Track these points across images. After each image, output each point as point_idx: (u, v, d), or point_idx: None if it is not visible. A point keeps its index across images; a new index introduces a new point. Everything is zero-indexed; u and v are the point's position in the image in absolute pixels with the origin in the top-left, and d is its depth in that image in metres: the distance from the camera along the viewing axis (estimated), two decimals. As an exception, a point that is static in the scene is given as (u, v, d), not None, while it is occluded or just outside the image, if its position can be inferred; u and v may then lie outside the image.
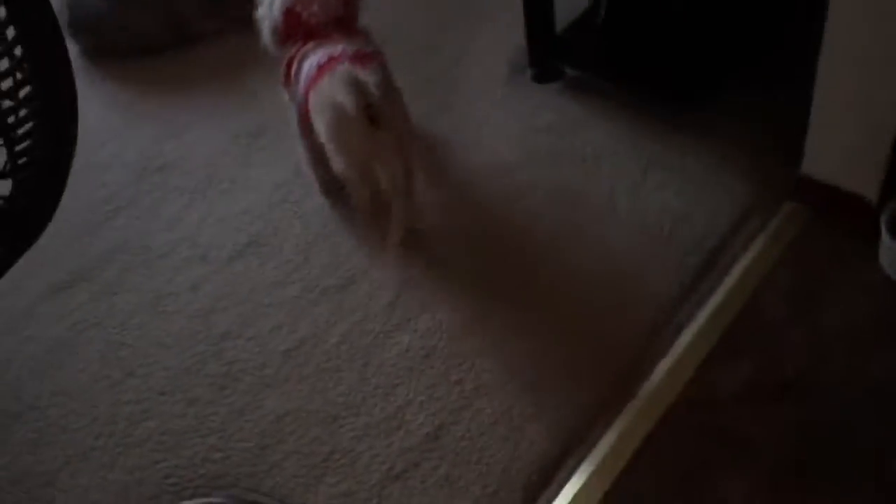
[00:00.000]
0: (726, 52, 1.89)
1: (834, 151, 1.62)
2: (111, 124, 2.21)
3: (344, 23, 1.68)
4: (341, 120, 1.51)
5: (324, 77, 1.54)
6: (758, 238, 1.66)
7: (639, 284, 1.65)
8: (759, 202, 1.72)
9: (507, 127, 1.96)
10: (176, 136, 2.14)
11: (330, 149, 1.59)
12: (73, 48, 2.42)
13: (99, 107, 2.27)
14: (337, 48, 1.58)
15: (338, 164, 1.60)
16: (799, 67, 1.55)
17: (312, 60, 1.61)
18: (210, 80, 2.27)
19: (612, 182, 1.82)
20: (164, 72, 2.33)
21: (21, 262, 1.09)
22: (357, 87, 1.48)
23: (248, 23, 1.91)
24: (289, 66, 1.72)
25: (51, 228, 1.91)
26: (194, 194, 1.99)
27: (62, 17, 2.35)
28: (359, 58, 1.56)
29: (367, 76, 1.49)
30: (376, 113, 1.50)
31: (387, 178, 1.62)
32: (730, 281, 1.60)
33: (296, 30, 1.69)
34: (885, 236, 1.55)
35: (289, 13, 1.69)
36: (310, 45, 1.65)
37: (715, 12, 1.82)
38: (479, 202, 1.86)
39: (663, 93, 1.88)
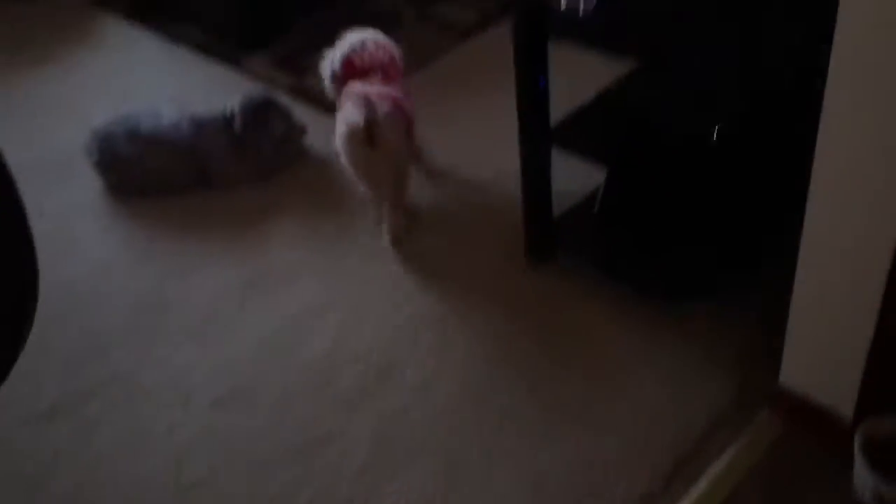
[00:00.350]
0: (719, 255, 1.95)
1: (810, 364, 1.64)
2: (122, 259, 2.30)
3: (386, 70, 2.21)
4: (348, 135, 2.03)
5: (350, 102, 2.06)
6: (731, 447, 1.65)
7: (608, 484, 1.64)
8: (736, 408, 1.73)
9: (496, 305, 2.01)
10: (181, 276, 2.22)
11: (342, 157, 2.10)
12: (98, 184, 2.56)
13: (115, 241, 2.37)
14: (371, 87, 2.09)
15: (347, 169, 2.12)
16: (790, 274, 1.59)
17: (351, 93, 2.10)
18: (224, 225, 2.37)
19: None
20: (182, 212, 2.44)
21: (4, 387, 1.12)
22: (366, 109, 1.96)
23: (268, 175, 2.16)
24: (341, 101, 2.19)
25: (42, 355, 1.99)
26: (188, 336, 2.04)
27: (91, 156, 2.50)
28: (383, 95, 2.07)
29: (379, 105, 1.98)
30: (374, 135, 1.98)
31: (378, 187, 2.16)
32: (697, 490, 1.58)
33: (351, 74, 2.21)
34: (858, 462, 1.54)
35: (347, 61, 2.23)
36: (356, 84, 2.14)
37: (709, 216, 1.89)
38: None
39: (652, 289, 1.93)
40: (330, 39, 2.35)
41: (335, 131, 2.11)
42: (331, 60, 2.28)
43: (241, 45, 3.17)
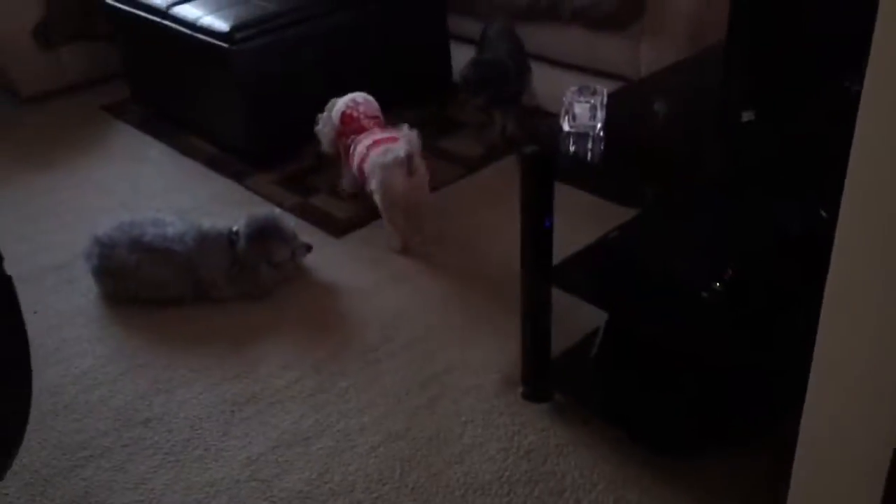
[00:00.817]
0: (718, 410, 1.92)
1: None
2: (109, 369, 2.25)
3: (378, 120, 2.83)
4: (393, 165, 2.52)
5: (375, 150, 2.62)
6: None
7: None
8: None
9: (488, 444, 1.95)
10: (168, 391, 2.16)
11: (378, 194, 2.60)
12: (94, 290, 2.54)
13: (103, 350, 2.33)
14: (378, 134, 2.71)
15: (382, 202, 2.61)
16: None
17: (363, 143, 2.69)
18: (216, 341, 2.34)
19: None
20: (175, 323, 2.41)
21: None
22: (408, 145, 2.50)
23: (263, 296, 2.29)
24: (346, 150, 2.80)
25: (15, 463, 1.92)
26: (168, 456, 1.97)
27: (89, 260, 2.49)
28: (392, 139, 2.62)
29: (407, 143, 2.51)
30: (413, 165, 2.51)
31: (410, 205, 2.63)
32: None
33: (349, 126, 2.80)
34: None
35: (345, 115, 2.81)
36: (361, 136, 2.74)
37: (709, 370, 1.87)
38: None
39: (648, 437, 1.88)
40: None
41: (348, 174, 2.83)
42: (330, 116, 2.84)
43: (249, 163, 3.23)
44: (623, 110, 1.79)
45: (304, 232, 2.77)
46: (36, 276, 2.69)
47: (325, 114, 2.88)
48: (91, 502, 1.86)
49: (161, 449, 1.99)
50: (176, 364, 2.26)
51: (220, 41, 3.04)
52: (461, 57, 3.75)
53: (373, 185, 2.60)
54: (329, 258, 2.66)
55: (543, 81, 3.43)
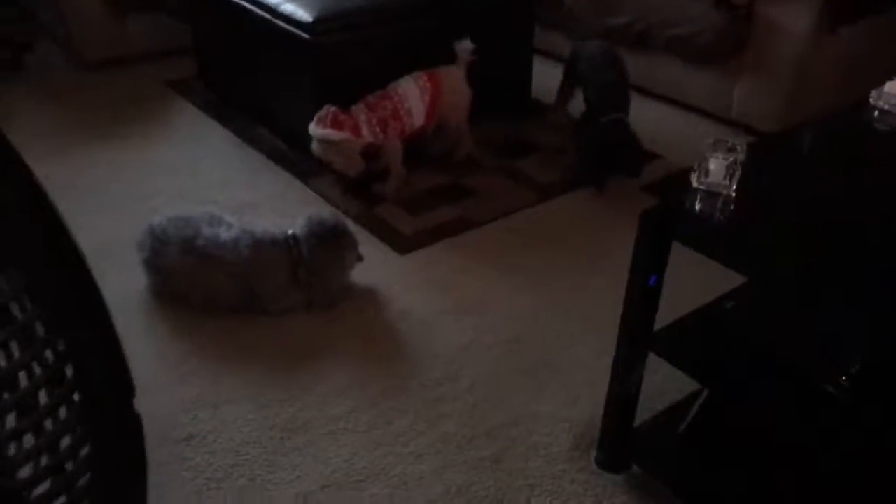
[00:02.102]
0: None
1: None
2: (154, 377, 2.10)
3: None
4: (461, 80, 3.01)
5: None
6: None
7: None
8: None
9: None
10: (214, 406, 2.01)
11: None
12: (144, 282, 2.40)
13: (147, 351, 2.19)
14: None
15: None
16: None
17: (409, 82, 2.92)
18: (269, 356, 2.18)
19: None
20: (228, 333, 2.26)
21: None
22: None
23: (325, 308, 2.25)
24: (390, 113, 2.87)
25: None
26: (209, 482, 1.82)
27: (142, 251, 2.35)
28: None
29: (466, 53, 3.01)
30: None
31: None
32: None
33: (379, 103, 2.86)
34: None
35: (368, 104, 2.87)
36: (399, 87, 2.91)
37: (814, 468, 1.69)
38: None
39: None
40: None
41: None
42: (342, 139, 2.77)
43: (316, 162, 3.07)
44: (760, 168, 1.61)
45: (367, 245, 2.62)
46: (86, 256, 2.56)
47: (332, 144, 2.76)
48: (123, 525, 1.72)
49: (201, 474, 1.84)
50: (225, 377, 2.11)
51: (301, 31, 2.89)
52: (542, 72, 3.59)
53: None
54: (391, 277, 2.50)
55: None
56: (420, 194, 2.91)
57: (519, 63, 3.48)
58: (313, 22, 2.85)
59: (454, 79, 2.97)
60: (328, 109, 2.74)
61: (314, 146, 2.78)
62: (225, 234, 2.32)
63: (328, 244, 2.35)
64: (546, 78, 3.55)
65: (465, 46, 2.97)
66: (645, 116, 3.46)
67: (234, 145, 3.26)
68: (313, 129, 2.75)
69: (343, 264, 2.40)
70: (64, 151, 3.22)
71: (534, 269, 2.55)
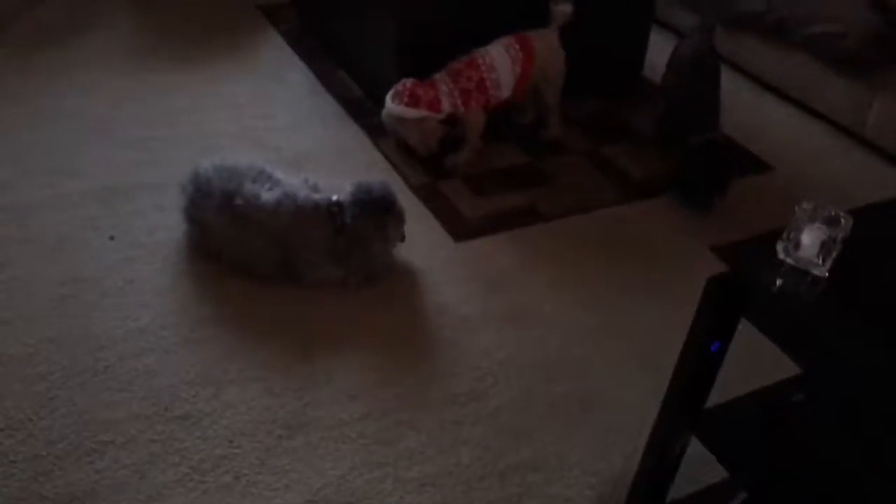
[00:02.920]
0: None
1: None
2: (164, 336, 1.98)
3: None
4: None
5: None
6: None
7: None
8: None
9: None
10: (218, 384, 1.87)
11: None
12: (181, 228, 2.26)
13: (165, 308, 2.06)
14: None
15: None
16: None
17: (499, 48, 2.63)
18: (288, 337, 2.02)
19: None
20: (253, 304, 2.10)
21: None
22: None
23: (360, 285, 2.13)
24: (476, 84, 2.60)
25: (29, 430, 1.69)
26: (192, 472, 1.68)
27: (183, 194, 2.21)
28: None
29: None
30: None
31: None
32: None
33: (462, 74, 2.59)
34: None
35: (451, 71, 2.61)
36: (487, 53, 2.63)
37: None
38: None
39: None
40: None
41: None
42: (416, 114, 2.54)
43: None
44: (865, 250, 1.30)
45: (421, 222, 2.41)
46: (128, 191, 2.45)
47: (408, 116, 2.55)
48: (98, 499, 1.61)
49: (188, 460, 1.71)
50: (238, 353, 1.96)
51: (392, -21, 2.65)
52: (659, 48, 3.23)
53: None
54: (440, 264, 2.29)
55: (740, 103, 2.88)
56: (492, 173, 2.67)
57: (632, 34, 3.13)
58: (404, -33, 2.61)
59: (548, 45, 2.68)
60: (405, 84, 2.52)
61: (385, 119, 2.57)
62: (266, 196, 2.14)
63: (371, 214, 2.16)
64: (663, 55, 3.18)
65: (563, 8, 2.66)
66: (764, 117, 3.09)
67: (311, 87, 3.08)
68: (389, 104, 2.53)
69: (385, 237, 2.21)
70: (142, 68, 3.11)
71: (600, 281, 2.28)
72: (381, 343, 2.03)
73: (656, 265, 2.36)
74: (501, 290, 2.22)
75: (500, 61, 2.58)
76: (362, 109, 2.93)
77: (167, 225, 2.31)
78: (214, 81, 3.07)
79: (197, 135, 2.74)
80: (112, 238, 2.27)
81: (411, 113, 2.50)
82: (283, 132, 2.80)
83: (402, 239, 2.26)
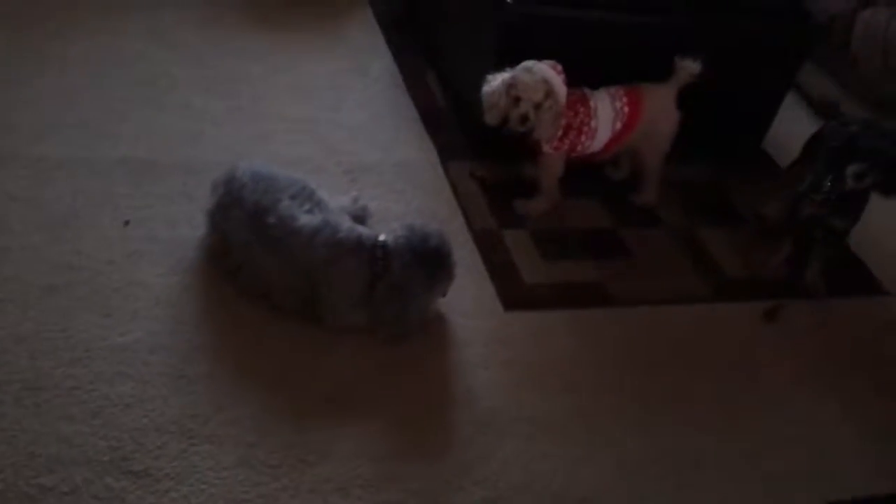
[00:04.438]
0: None
1: None
2: (155, 360, 1.72)
3: None
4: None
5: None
6: None
7: None
8: None
9: None
10: (191, 438, 1.60)
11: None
12: (202, 228, 1.99)
13: (166, 325, 1.80)
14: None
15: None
16: None
17: (605, 98, 2.26)
18: (290, 391, 1.74)
19: None
20: (259, 341, 1.83)
21: None
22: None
23: (403, 337, 1.89)
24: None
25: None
26: (131, 548, 1.43)
27: (212, 195, 1.94)
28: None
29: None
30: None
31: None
32: None
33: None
34: None
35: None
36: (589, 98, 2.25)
37: None
38: None
39: None
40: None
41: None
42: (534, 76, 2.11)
43: (468, 139, 2.53)
44: None
45: (473, 275, 2.10)
46: (162, 168, 2.19)
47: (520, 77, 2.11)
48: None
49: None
50: (225, 401, 1.68)
51: (504, -12, 2.29)
52: (790, 119, 2.82)
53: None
54: (481, 335, 1.96)
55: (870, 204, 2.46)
56: (566, 232, 2.32)
57: (760, 101, 2.72)
58: (521, -18, 2.26)
59: (661, 104, 2.30)
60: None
61: (496, 87, 2.13)
62: (304, 219, 1.86)
63: (424, 266, 1.87)
64: (793, 126, 2.77)
65: (689, 65, 2.28)
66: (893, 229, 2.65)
67: (392, 84, 2.76)
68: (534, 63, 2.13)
69: (431, 293, 1.92)
70: (216, 21, 2.84)
71: (665, 398, 1.92)
72: (389, 424, 1.73)
73: (734, 389, 2.00)
74: (543, 387, 1.89)
75: (602, 112, 2.22)
76: (441, 123, 2.61)
77: (191, 221, 2.04)
78: (289, 54, 2.78)
79: (254, 114, 2.47)
80: (127, 223, 2.01)
81: (558, 80, 2.13)
82: (348, 131, 2.50)
83: (444, 294, 1.96)
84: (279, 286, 1.87)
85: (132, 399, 1.64)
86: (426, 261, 1.87)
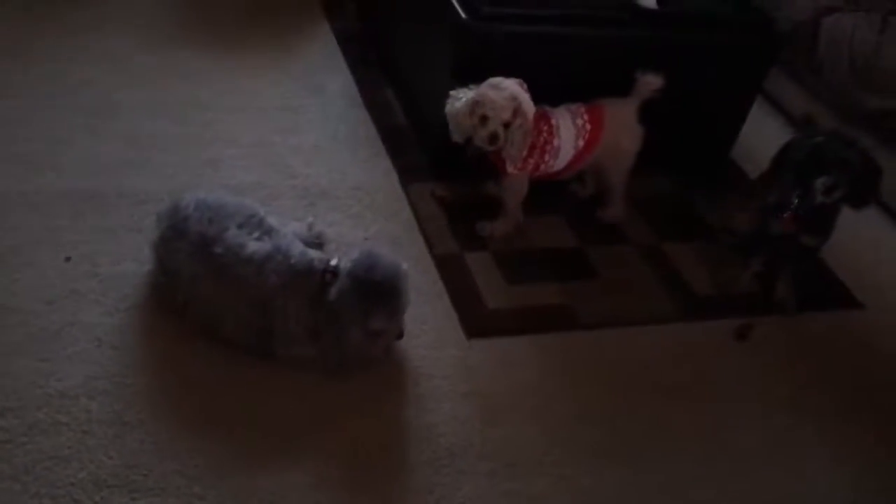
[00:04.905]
0: None
1: None
2: (95, 407, 1.62)
3: None
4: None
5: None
6: None
7: None
8: None
9: None
10: (132, 493, 1.51)
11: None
12: (149, 263, 1.90)
13: (107, 369, 1.70)
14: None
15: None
16: None
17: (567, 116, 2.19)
18: (239, 428, 1.65)
19: None
20: (208, 373, 1.74)
21: None
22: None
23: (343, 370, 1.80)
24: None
25: None
26: None
27: (158, 227, 1.84)
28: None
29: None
30: None
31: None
32: None
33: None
34: None
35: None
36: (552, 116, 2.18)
37: None
38: None
39: None
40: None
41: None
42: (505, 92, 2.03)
43: (430, 161, 2.46)
44: None
45: (434, 303, 2.03)
46: (106, 200, 2.10)
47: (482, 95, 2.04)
48: None
49: None
50: (170, 449, 1.58)
51: (461, 5, 2.22)
52: (759, 129, 2.77)
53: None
54: (443, 366, 1.88)
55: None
56: (530, 253, 2.25)
57: (726, 112, 2.66)
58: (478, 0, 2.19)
59: (622, 120, 2.24)
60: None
61: (462, 106, 2.06)
62: (253, 246, 1.78)
63: (362, 297, 1.75)
64: (762, 137, 2.72)
65: (649, 79, 2.21)
66: (867, 243, 2.59)
67: (350, 102, 2.68)
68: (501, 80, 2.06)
69: (367, 330, 1.78)
70: (164, 43, 2.75)
71: (632, 428, 1.85)
72: (343, 468, 1.64)
73: (704, 412, 1.93)
74: (507, 421, 1.80)
75: (564, 130, 2.16)
76: (402, 142, 2.54)
77: (137, 255, 1.95)
78: (242, 74, 2.69)
79: (204, 140, 2.38)
80: (68, 259, 1.92)
81: (527, 98, 2.06)
82: (304, 154, 2.41)
83: (400, 336, 1.87)
84: (230, 320, 1.78)
85: (69, 451, 1.55)
86: (363, 291, 1.75)
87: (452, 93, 2.09)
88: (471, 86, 2.08)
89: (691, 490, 1.75)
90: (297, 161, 2.38)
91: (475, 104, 2.04)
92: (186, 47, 2.75)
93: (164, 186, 2.15)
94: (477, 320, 2.02)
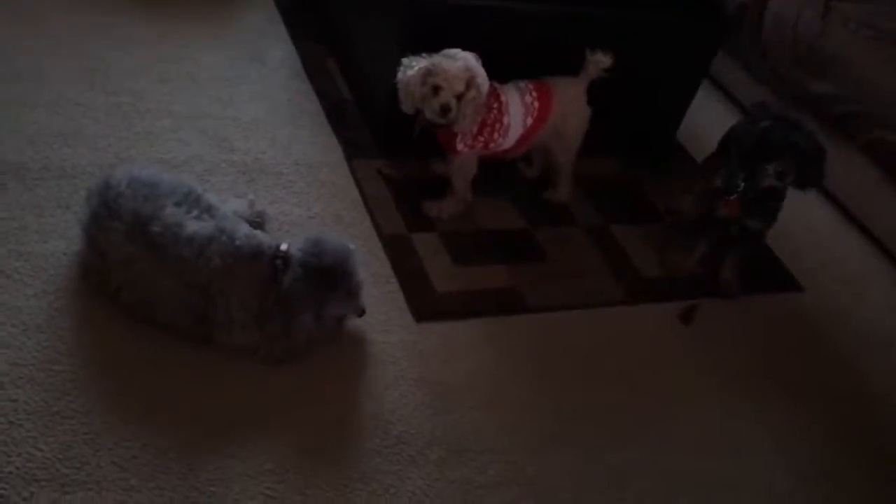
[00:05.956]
0: None
1: None
2: (22, 396, 1.52)
3: None
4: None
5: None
6: None
7: None
8: None
9: None
10: (63, 487, 1.42)
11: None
12: (73, 248, 1.80)
13: (35, 356, 1.59)
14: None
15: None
16: None
17: (517, 95, 2.15)
18: (175, 416, 1.58)
19: None
20: (142, 359, 1.65)
21: None
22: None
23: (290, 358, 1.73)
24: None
25: None
26: None
27: (88, 205, 1.72)
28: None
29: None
30: None
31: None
32: None
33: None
34: None
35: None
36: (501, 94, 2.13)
37: None
38: None
39: None
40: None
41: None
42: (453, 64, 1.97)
43: (375, 136, 2.38)
44: None
45: (382, 286, 1.97)
46: (33, 173, 1.97)
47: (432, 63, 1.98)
48: None
49: None
50: (103, 440, 1.50)
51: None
52: (705, 111, 2.77)
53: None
54: (391, 351, 1.84)
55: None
56: (478, 234, 2.21)
57: (673, 93, 2.66)
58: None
59: (570, 98, 2.21)
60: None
61: (414, 75, 1.98)
62: (194, 226, 1.69)
63: (314, 285, 1.70)
64: (708, 119, 2.73)
65: (598, 59, 2.17)
66: (806, 224, 2.63)
67: (292, 73, 2.58)
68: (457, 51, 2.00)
69: (320, 316, 1.74)
70: (97, 6, 2.59)
71: (580, 412, 1.84)
72: (286, 459, 1.58)
73: (650, 396, 1.94)
74: (457, 408, 1.77)
75: (513, 107, 2.11)
76: (346, 116, 2.46)
77: (65, 233, 1.84)
78: (177, 41, 2.56)
79: (137, 110, 2.25)
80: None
81: (481, 72, 2.00)
82: (243, 127, 2.31)
83: (361, 313, 1.82)
84: (168, 303, 1.69)
85: (-5, 441, 1.46)
86: (316, 280, 1.70)
87: (405, 60, 2.02)
88: (424, 55, 2.02)
89: (637, 477, 1.75)
90: (236, 134, 2.28)
91: (428, 73, 1.97)
92: (113, 11, 2.60)
93: (94, 160, 2.03)
94: (426, 304, 1.98)
